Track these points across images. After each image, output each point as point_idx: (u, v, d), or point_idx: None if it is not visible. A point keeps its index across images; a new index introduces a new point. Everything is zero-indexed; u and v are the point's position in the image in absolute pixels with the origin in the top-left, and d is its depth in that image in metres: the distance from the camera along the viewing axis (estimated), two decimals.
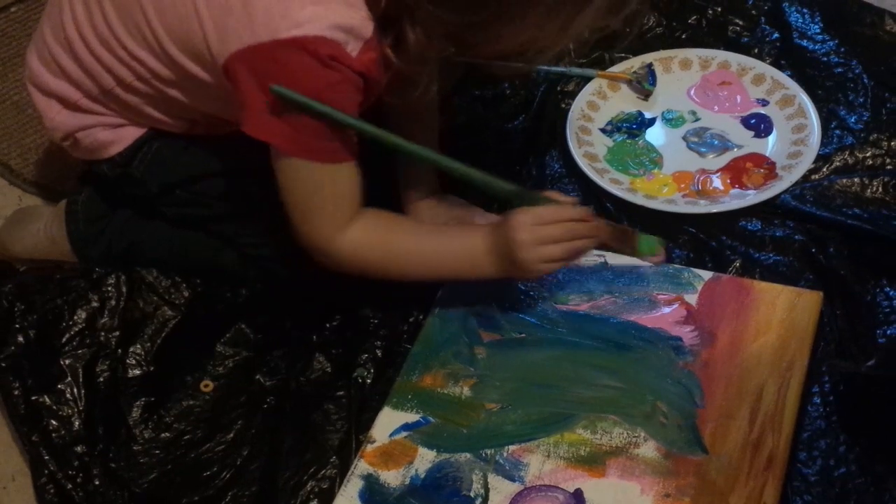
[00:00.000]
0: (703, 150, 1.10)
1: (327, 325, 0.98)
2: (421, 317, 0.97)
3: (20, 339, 0.97)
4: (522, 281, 0.96)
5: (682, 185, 1.07)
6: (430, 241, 0.92)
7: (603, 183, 1.07)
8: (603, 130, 1.14)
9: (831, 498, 0.79)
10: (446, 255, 0.91)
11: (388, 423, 0.89)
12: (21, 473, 0.92)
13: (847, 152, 1.04)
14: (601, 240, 0.89)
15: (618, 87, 1.17)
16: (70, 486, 0.87)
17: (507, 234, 0.87)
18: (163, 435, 0.91)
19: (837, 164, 1.03)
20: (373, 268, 0.90)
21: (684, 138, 1.11)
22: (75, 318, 0.98)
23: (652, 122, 1.14)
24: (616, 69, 1.18)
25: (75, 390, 0.93)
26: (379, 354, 0.95)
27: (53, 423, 0.91)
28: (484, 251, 0.89)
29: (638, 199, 1.04)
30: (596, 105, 1.16)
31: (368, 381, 0.93)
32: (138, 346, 0.97)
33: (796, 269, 0.95)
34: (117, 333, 0.97)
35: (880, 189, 0.99)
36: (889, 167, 1.01)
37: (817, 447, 0.82)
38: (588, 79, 1.18)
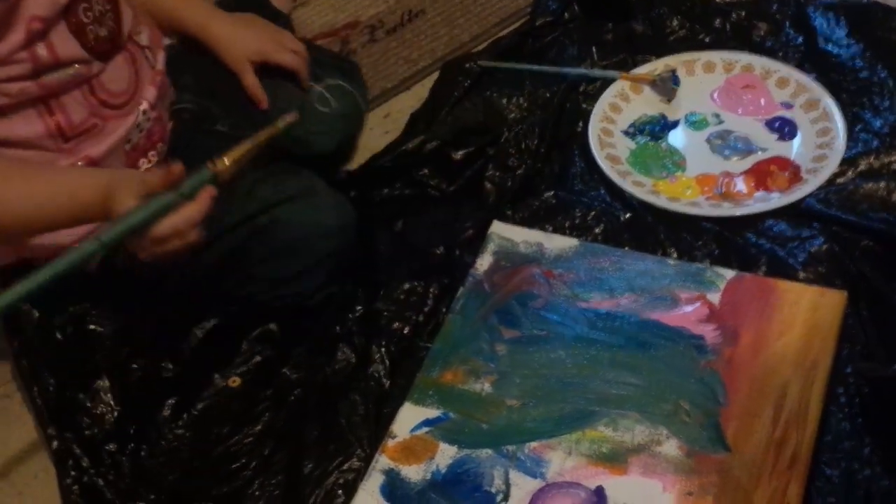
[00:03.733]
0: (726, 152, 1.10)
1: (350, 317, 0.98)
2: (433, 305, 0.98)
3: (58, 335, 0.97)
4: None
5: (706, 188, 1.06)
6: (40, 186, 0.83)
7: (625, 185, 1.07)
8: (625, 133, 1.14)
9: (855, 500, 0.78)
10: (50, 201, 0.82)
11: (409, 418, 0.89)
12: (44, 471, 0.93)
13: (872, 156, 1.03)
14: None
15: (640, 90, 1.17)
16: (102, 482, 0.88)
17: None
18: (191, 431, 0.92)
19: (863, 168, 1.03)
20: None
21: (708, 141, 1.11)
22: (109, 318, 0.99)
23: (675, 124, 1.14)
24: (639, 71, 1.18)
25: (109, 388, 0.94)
26: (393, 349, 0.95)
27: (86, 419, 0.92)
28: (100, 204, 0.81)
29: (661, 202, 1.04)
30: (618, 107, 1.16)
31: (384, 375, 0.93)
32: (174, 350, 0.97)
33: (822, 272, 0.94)
34: (153, 337, 0.98)
35: None
36: None
37: (841, 449, 0.81)
38: (611, 81, 1.18)
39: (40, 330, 0.97)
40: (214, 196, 0.81)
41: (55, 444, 0.91)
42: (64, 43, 0.85)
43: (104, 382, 0.94)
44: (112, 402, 0.94)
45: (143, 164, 0.98)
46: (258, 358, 0.97)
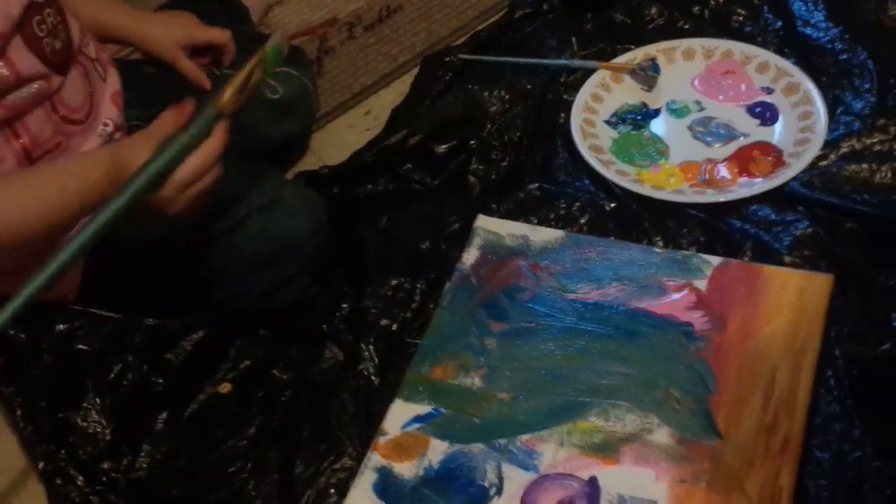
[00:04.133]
0: (709, 139, 1.10)
1: (336, 315, 0.98)
2: (421, 301, 0.98)
3: (46, 357, 0.96)
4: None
5: (690, 175, 1.06)
6: (37, 183, 0.80)
7: (609, 175, 1.06)
8: (607, 122, 1.14)
9: (847, 482, 0.78)
10: (59, 192, 0.79)
11: (399, 415, 0.88)
12: (31, 496, 0.92)
13: (854, 138, 1.03)
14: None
15: (621, 79, 1.17)
16: (97, 500, 0.88)
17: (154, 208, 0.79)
18: (185, 441, 0.91)
19: (845, 150, 1.03)
20: None
21: (690, 128, 1.11)
22: (97, 335, 0.97)
23: (656, 112, 1.14)
24: (619, 60, 1.18)
25: (100, 408, 0.93)
26: (382, 346, 0.95)
27: (81, 441, 0.91)
28: (105, 181, 0.79)
29: (645, 190, 1.04)
30: (600, 97, 1.16)
31: (374, 373, 0.93)
32: (163, 362, 0.97)
33: (807, 256, 0.94)
34: (142, 351, 0.97)
35: (889, 174, 0.99)
36: None
37: (832, 431, 0.81)
38: (591, 71, 1.18)
39: (29, 351, 0.96)
40: (227, 129, 0.79)
41: (41, 465, 0.90)
42: (23, 59, 0.83)
43: (95, 401, 0.93)
44: (104, 420, 0.93)
45: None
46: (247, 362, 0.96)
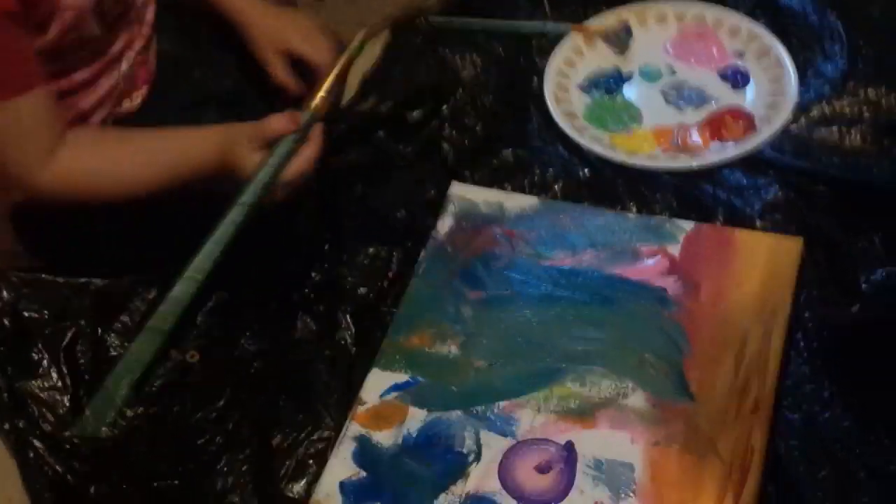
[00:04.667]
0: (681, 104, 1.10)
1: (306, 284, 0.97)
2: (397, 269, 0.98)
3: None
4: None
5: (662, 141, 1.07)
6: (151, 151, 0.89)
7: (583, 141, 1.06)
8: (581, 87, 1.14)
9: (817, 442, 0.80)
10: (172, 164, 0.89)
11: (377, 384, 0.89)
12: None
13: (825, 102, 1.04)
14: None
15: (594, 44, 1.16)
16: (62, 469, 0.86)
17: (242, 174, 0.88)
18: (152, 409, 0.90)
19: (815, 114, 1.04)
20: (89, 193, 0.88)
21: (662, 93, 1.11)
22: (44, 301, 0.96)
23: (629, 77, 1.14)
24: (591, 23, 1.17)
25: (57, 375, 0.92)
26: (358, 315, 0.95)
27: (41, 409, 0.90)
28: (217, 161, 0.89)
29: (618, 156, 1.04)
30: (572, 62, 1.16)
31: (350, 342, 0.93)
32: (118, 324, 0.96)
33: (778, 220, 0.95)
34: (94, 314, 0.96)
35: (859, 138, 1.00)
36: (867, 116, 1.01)
37: (802, 392, 0.83)
38: (562, 35, 1.17)
39: None
40: (323, 130, 0.90)
41: (13, 438, 0.89)
42: None
43: (51, 368, 0.92)
44: (62, 387, 0.91)
45: (126, 104, 1.00)
46: (215, 331, 0.95)
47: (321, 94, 0.90)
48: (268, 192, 0.88)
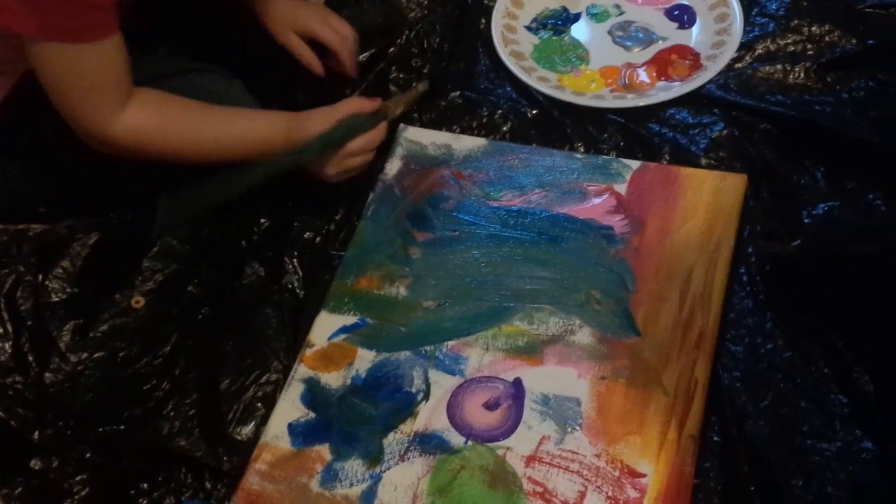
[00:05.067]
0: (628, 43, 1.10)
1: (255, 230, 0.96)
2: (344, 212, 0.97)
3: None
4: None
5: (610, 80, 1.06)
6: (219, 122, 0.90)
7: (531, 81, 1.06)
8: (528, 28, 1.13)
9: (759, 372, 0.81)
10: (237, 138, 0.90)
11: (325, 326, 0.89)
12: None
13: (769, 39, 1.04)
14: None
15: None
16: (4, 415, 0.85)
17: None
18: (97, 354, 0.89)
19: (760, 52, 1.04)
20: (157, 149, 0.87)
21: (609, 33, 1.11)
22: None
23: (577, 17, 1.13)
24: None
25: None
26: (305, 259, 0.94)
27: None
28: (281, 145, 0.90)
29: (566, 96, 1.04)
30: (520, 2, 1.14)
31: (298, 286, 0.92)
32: (59, 269, 0.94)
33: (723, 157, 0.96)
34: (33, 259, 0.94)
35: (802, 75, 1.00)
36: (810, 52, 1.02)
37: (745, 325, 0.84)
38: None
39: None
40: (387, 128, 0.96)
41: None
42: None
43: None
44: (3, 334, 0.90)
45: None
46: (160, 276, 0.94)
47: (400, 108, 0.99)
48: (325, 151, 0.91)
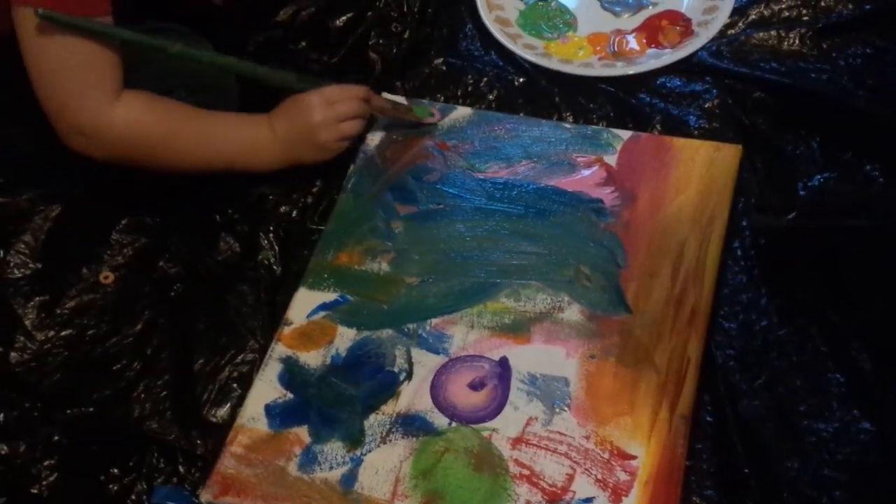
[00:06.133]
0: (617, 9, 1.06)
1: (229, 204, 0.92)
2: (323, 185, 0.94)
3: None
4: (308, 165, 0.93)
5: (598, 47, 1.03)
6: (208, 124, 0.89)
7: (516, 49, 1.03)
8: None
9: (753, 349, 0.79)
10: (225, 140, 0.89)
11: (304, 303, 0.85)
12: None
13: (763, 5, 1.01)
14: (384, 114, 0.96)
15: None
16: None
17: (304, 118, 0.88)
18: (64, 333, 0.85)
19: (753, 17, 1.01)
20: (145, 149, 0.85)
21: None
22: None
23: None
24: None
25: None
26: (282, 234, 0.91)
27: None
28: (270, 139, 0.89)
29: (553, 64, 1.01)
30: None
31: (275, 262, 0.89)
32: (21, 243, 0.89)
33: (716, 127, 0.93)
34: None
35: (797, 41, 0.97)
36: (805, 18, 0.99)
37: (738, 301, 0.81)
38: None
39: None
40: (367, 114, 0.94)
41: None
42: None
43: None
44: None
45: None
46: (129, 250, 0.90)
47: (388, 109, 0.96)
48: (300, 85, 0.91)
